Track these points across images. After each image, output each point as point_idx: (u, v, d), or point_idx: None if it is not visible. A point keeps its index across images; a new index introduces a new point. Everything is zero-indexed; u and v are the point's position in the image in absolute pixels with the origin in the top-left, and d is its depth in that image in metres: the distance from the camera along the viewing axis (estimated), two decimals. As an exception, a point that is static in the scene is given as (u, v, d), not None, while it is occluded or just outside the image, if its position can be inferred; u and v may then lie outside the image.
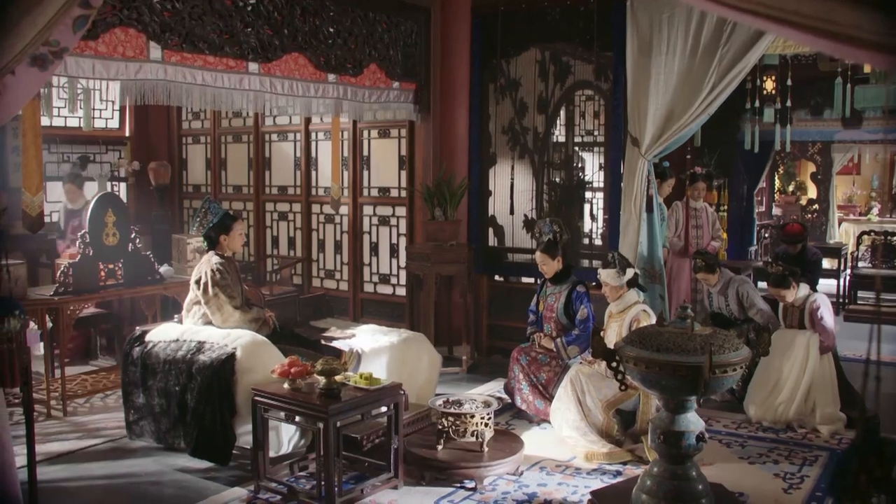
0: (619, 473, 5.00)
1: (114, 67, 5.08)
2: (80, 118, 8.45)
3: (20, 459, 3.92)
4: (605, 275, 5.63)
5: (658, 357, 3.74)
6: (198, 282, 5.36)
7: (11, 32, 2.79)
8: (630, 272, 5.61)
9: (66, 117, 8.69)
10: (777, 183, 16.36)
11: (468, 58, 7.96)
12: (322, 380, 4.50)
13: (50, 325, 6.12)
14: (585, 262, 7.50)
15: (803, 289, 6.00)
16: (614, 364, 3.98)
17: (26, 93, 3.05)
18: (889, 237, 11.45)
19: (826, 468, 5.05)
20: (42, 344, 6.34)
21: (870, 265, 12.10)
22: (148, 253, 6.84)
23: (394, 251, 8.60)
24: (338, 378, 4.53)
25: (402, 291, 8.50)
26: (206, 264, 5.38)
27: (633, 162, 6.69)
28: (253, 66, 6.04)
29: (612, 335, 5.48)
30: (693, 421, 3.92)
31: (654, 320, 5.37)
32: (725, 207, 11.17)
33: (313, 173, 9.17)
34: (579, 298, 5.99)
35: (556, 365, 5.89)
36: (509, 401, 6.08)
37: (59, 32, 2.97)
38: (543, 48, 7.67)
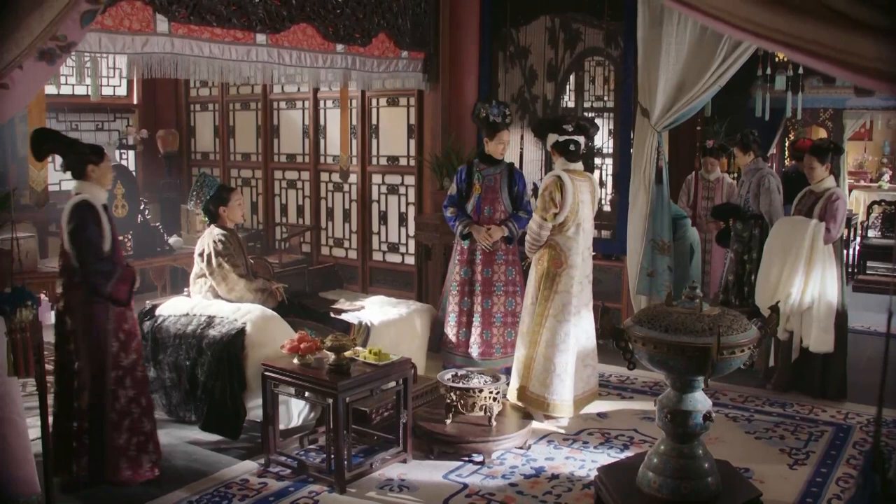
0: (626, 447, 5.04)
1: (120, 41, 5.04)
2: (87, 86, 8.42)
3: (33, 432, 3.96)
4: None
5: (666, 338, 3.74)
6: (201, 254, 5.38)
7: (20, 26, 2.77)
8: (551, 137, 5.44)
9: (73, 85, 8.66)
10: (787, 150, 16.21)
11: (478, 26, 7.88)
12: (331, 355, 4.53)
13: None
14: (595, 232, 7.42)
15: (830, 180, 5.94)
16: (623, 344, 3.98)
17: (34, 87, 3.04)
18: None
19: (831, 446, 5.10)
20: (53, 314, 6.37)
21: (879, 234, 12.05)
22: (157, 224, 6.86)
23: (402, 220, 8.61)
24: (347, 354, 4.56)
25: (410, 260, 8.52)
26: (208, 237, 5.39)
27: (642, 133, 6.63)
28: (261, 38, 5.98)
29: None
30: (700, 400, 3.93)
31: (566, 188, 5.26)
32: (735, 175, 11.10)
33: (321, 141, 9.15)
34: (521, 178, 6.06)
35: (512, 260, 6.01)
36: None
37: (67, 27, 2.95)
38: (553, 16, 7.60)
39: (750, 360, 3.84)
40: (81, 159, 4.34)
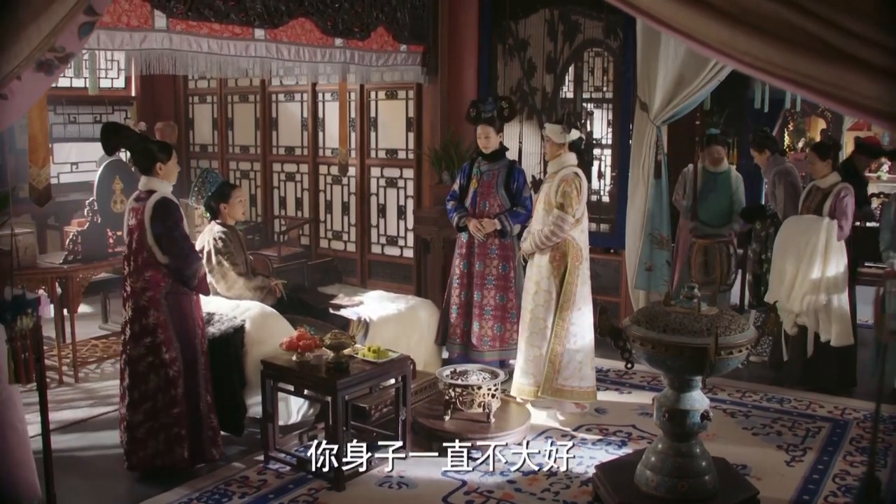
0: (624, 443, 5.05)
1: (119, 37, 5.01)
2: (85, 79, 8.39)
3: (34, 428, 3.97)
4: (549, 129, 5.47)
5: (664, 338, 3.76)
6: (201, 251, 5.38)
7: (19, 38, 2.77)
8: (575, 133, 5.44)
9: (71, 78, 8.63)
10: (787, 139, 16.20)
11: (477, 19, 7.86)
12: (330, 353, 4.54)
13: (59, 291, 6.15)
14: (593, 226, 7.37)
15: (835, 175, 5.96)
16: (621, 343, 4.00)
17: (32, 97, 3.06)
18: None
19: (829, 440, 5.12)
20: (52, 307, 6.36)
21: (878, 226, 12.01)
22: (156, 218, 6.83)
23: (401, 213, 8.60)
24: (346, 351, 4.57)
25: (409, 253, 8.53)
26: (208, 234, 5.40)
27: (641, 127, 6.63)
28: (259, 33, 5.96)
29: (542, 196, 5.47)
30: (698, 399, 3.96)
31: (584, 184, 5.36)
32: (735, 166, 11.09)
33: (320, 134, 9.13)
34: (521, 175, 6.11)
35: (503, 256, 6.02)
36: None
37: (65, 38, 2.96)
38: (552, 8, 7.59)
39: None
40: (149, 157, 4.51)
